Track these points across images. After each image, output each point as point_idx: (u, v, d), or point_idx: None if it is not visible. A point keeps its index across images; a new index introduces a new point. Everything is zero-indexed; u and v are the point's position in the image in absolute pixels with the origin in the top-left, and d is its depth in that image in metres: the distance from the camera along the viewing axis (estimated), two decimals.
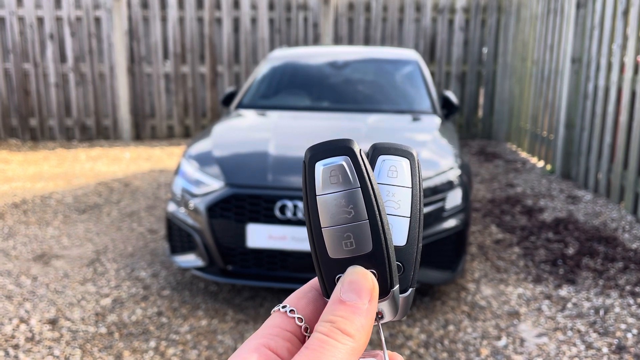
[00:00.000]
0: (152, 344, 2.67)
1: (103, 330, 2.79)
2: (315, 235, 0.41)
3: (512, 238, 4.06)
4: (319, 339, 0.37)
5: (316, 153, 0.41)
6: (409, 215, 0.43)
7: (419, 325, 2.86)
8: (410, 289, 0.43)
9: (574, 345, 2.67)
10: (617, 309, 2.99)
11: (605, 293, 3.17)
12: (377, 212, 0.40)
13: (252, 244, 2.83)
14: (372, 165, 0.43)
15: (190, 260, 3.05)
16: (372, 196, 0.40)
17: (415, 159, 0.44)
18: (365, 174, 0.40)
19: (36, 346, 2.63)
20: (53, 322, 2.85)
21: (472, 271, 3.50)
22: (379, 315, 0.42)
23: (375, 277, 0.40)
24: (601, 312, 2.96)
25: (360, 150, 0.41)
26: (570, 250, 3.78)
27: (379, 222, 0.40)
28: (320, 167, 0.41)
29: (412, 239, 0.43)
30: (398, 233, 0.42)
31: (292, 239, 2.79)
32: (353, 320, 0.38)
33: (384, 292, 0.41)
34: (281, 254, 2.84)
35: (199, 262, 3.00)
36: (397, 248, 0.42)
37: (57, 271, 3.49)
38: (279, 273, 2.88)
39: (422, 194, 0.44)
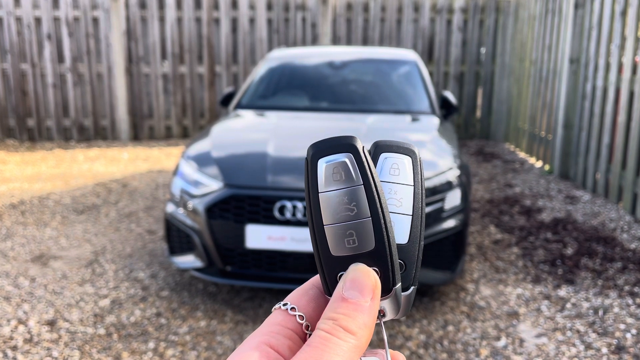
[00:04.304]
0: (151, 345, 2.67)
1: (102, 331, 2.79)
2: (318, 232, 0.41)
3: (510, 238, 4.06)
4: (321, 337, 0.37)
5: (319, 150, 0.41)
6: (411, 213, 0.43)
7: (419, 325, 2.86)
8: (412, 287, 0.42)
9: (574, 345, 2.67)
10: (616, 309, 2.99)
11: (604, 293, 3.17)
12: (379, 210, 0.40)
13: (251, 245, 2.82)
14: (374, 162, 0.43)
15: (189, 261, 3.05)
16: (375, 194, 0.40)
17: (417, 157, 0.43)
18: (368, 171, 0.40)
19: (35, 347, 2.63)
20: (51, 324, 2.84)
21: (471, 271, 3.50)
22: (381, 313, 0.42)
23: (378, 275, 0.40)
24: (600, 313, 2.96)
25: (363, 147, 0.40)
26: (569, 251, 3.79)
27: (382, 220, 0.40)
28: (323, 164, 0.40)
29: (414, 237, 0.42)
30: (400, 231, 0.42)
31: (291, 239, 2.78)
32: (355, 318, 0.38)
33: (386, 290, 0.40)
34: (280, 254, 2.83)
35: (198, 263, 2.99)
36: (399, 246, 0.42)
37: (55, 272, 3.48)
38: (278, 274, 2.87)
39: (424, 192, 0.44)
